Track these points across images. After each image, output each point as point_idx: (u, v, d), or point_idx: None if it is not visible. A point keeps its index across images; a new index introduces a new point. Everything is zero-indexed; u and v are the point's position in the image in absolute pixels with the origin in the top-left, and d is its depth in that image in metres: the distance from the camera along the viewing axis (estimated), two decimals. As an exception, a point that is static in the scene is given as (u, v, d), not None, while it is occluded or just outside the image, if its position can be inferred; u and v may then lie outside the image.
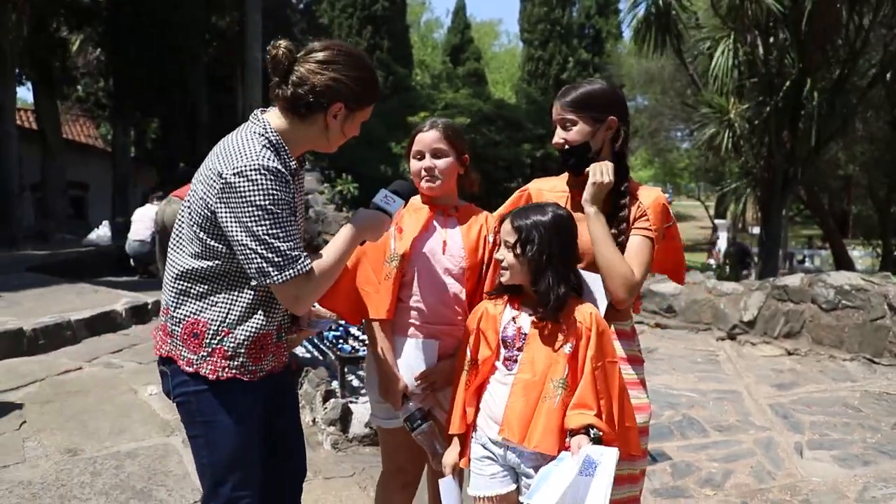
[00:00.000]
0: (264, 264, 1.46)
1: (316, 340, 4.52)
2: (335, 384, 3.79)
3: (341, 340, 4.16)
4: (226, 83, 14.53)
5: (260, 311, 1.58)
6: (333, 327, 4.25)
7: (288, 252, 1.47)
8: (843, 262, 13.49)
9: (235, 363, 1.57)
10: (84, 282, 6.71)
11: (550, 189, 1.94)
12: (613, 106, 1.83)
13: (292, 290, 1.50)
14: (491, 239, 1.98)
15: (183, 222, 1.59)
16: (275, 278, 1.47)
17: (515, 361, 1.70)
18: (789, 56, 8.94)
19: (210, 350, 1.56)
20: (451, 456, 1.80)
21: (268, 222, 1.44)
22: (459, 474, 1.82)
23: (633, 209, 1.82)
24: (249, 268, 1.48)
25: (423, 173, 1.94)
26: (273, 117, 1.56)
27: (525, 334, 1.69)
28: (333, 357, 4.14)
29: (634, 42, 9.90)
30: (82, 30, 13.78)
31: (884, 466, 3.12)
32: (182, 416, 1.65)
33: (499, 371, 1.73)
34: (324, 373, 3.88)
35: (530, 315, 1.71)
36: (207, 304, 1.56)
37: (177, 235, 1.60)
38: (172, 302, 1.59)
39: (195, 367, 1.56)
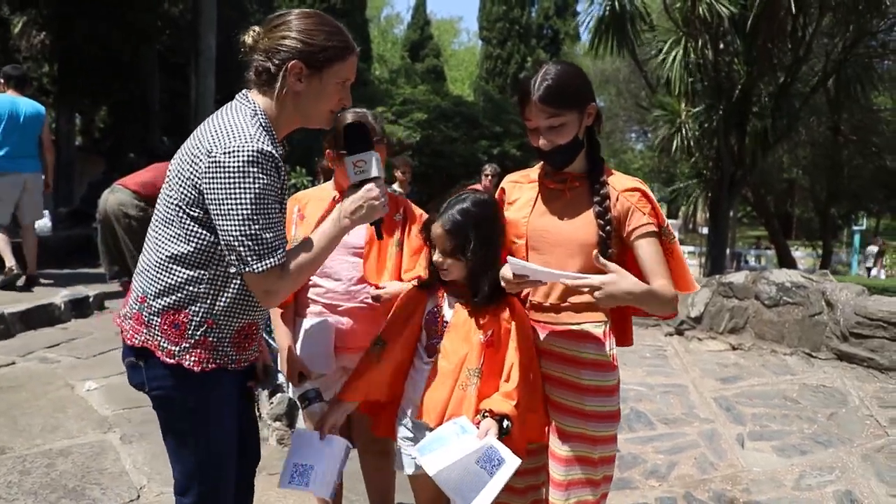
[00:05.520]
0: (244, 251, 1.40)
1: (264, 335, 4.42)
2: (282, 378, 3.70)
3: (290, 334, 4.08)
4: (179, 71, 14.08)
5: (247, 301, 1.51)
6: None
7: (270, 241, 1.41)
8: (787, 262, 13.99)
9: (219, 353, 1.51)
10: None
11: (523, 177, 1.86)
12: (588, 90, 1.73)
13: (265, 283, 1.44)
14: (399, 218, 2.02)
15: (163, 203, 1.49)
16: (253, 267, 1.41)
17: (436, 349, 1.72)
18: (738, 61, 9.20)
19: (193, 342, 1.48)
20: (332, 417, 1.80)
21: (255, 208, 1.38)
22: (348, 442, 1.84)
23: (614, 201, 1.73)
24: (230, 254, 1.42)
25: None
26: (257, 97, 1.50)
27: (446, 323, 1.72)
28: (282, 351, 4.04)
29: (591, 43, 10.02)
30: (25, 12, 13.16)
31: (819, 455, 3.23)
32: (161, 409, 1.55)
33: (419, 358, 1.76)
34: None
35: (455, 303, 1.73)
36: (190, 292, 1.47)
37: (159, 218, 1.50)
38: (152, 288, 1.48)
39: (177, 358, 1.48)
